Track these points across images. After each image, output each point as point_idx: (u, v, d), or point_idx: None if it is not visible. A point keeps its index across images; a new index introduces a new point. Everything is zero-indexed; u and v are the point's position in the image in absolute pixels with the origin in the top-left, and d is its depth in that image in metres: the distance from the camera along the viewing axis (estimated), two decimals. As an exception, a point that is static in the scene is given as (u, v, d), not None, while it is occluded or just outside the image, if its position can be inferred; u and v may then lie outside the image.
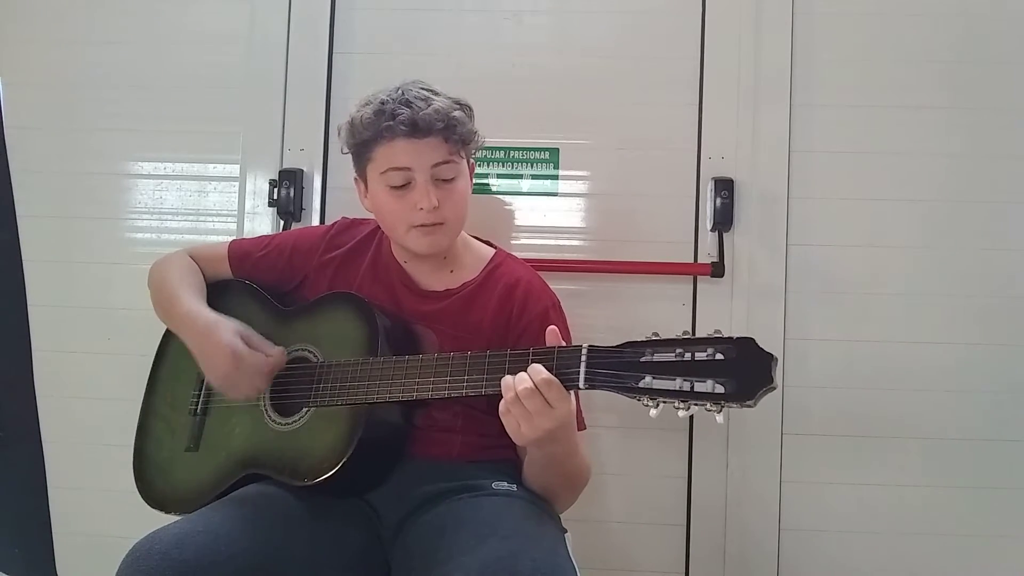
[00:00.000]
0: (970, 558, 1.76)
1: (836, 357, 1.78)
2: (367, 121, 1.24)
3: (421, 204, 1.24)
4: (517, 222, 1.85)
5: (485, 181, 1.84)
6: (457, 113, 1.25)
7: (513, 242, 1.82)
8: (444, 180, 1.26)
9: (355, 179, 1.34)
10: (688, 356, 0.96)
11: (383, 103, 1.23)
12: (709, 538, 1.77)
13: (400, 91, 1.25)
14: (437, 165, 1.25)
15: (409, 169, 1.24)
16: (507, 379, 1.04)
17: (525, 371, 1.04)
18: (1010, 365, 1.76)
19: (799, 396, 1.77)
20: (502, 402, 1.04)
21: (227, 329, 1.23)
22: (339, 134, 1.32)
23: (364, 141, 1.26)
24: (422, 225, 1.26)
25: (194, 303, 1.30)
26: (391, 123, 1.21)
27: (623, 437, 1.79)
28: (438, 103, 1.24)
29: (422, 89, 1.26)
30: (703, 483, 1.78)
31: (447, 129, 1.23)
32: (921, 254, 1.79)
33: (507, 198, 1.86)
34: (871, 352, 1.77)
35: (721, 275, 1.76)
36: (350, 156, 1.32)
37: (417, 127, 1.21)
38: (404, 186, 1.25)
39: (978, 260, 1.78)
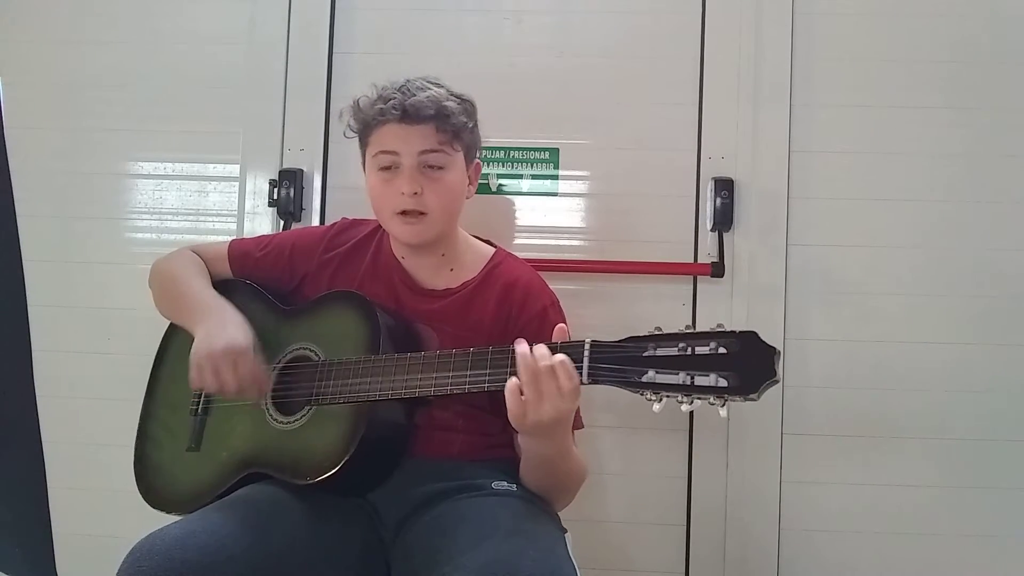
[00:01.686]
0: (970, 558, 1.76)
1: (836, 357, 1.78)
2: (365, 106, 1.29)
3: (403, 189, 1.25)
4: (517, 222, 1.85)
5: (485, 181, 1.84)
6: (450, 103, 1.27)
7: (513, 242, 1.82)
8: (432, 169, 1.27)
9: (364, 169, 1.36)
10: (691, 350, 0.96)
11: (383, 89, 1.28)
12: (709, 538, 1.77)
13: (404, 80, 1.29)
14: (425, 152, 1.26)
15: (396, 153, 1.26)
16: (525, 355, 1.03)
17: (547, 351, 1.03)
18: (1010, 365, 1.76)
19: (799, 396, 1.77)
20: (512, 382, 1.03)
21: (248, 333, 1.23)
22: (340, 116, 1.35)
23: (364, 123, 1.30)
24: (404, 212, 1.27)
25: (210, 291, 1.33)
26: (383, 106, 1.25)
27: (623, 437, 1.79)
28: (433, 92, 1.26)
29: (426, 81, 1.29)
30: (703, 483, 1.78)
31: (438, 118, 1.25)
32: (921, 254, 1.79)
33: (507, 198, 1.86)
34: (871, 352, 1.77)
35: (721, 275, 1.76)
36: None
37: (407, 113, 1.24)
38: (391, 170, 1.27)
39: (978, 260, 1.78)
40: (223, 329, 1.23)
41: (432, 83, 1.29)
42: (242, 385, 1.20)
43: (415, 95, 1.25)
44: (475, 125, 1.33)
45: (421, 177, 1.26)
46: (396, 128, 1.26)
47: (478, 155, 1.38)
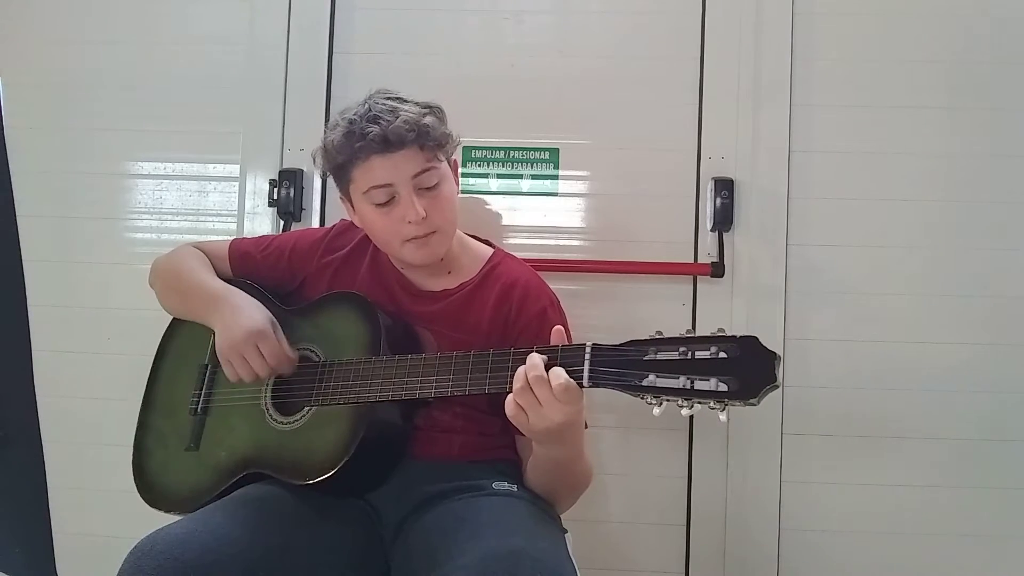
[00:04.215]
0: (970, 558, 1.76)
1: (836, 357, 1.78)
2: (339, 144, 1.23)
3: (409, 217, 1.23)
4: (517, 222, 1.85)
5: (485, 181, 1.85)
6: (427, 119, 1.23)
7: (513, 242, 1.81)
8: (427, 188, 1.25)
9: (340, 198, 1.34)
10: (691, 354, 0.96)
11: (351, 123, 1.22)
12: (709, 538, 1.77)
13: (366, 107, 1.23)
14: (417, 175, 1.24)
15: (390, 185, 1.23)
16: (520, 370, 1.04)
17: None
18: (1010, 365, 1.76)
19: (799, 396, 1.77)
20: (510, 397, 1.04)
21: (264, 311, 1.26)
22: (315, 161, 1.31)
23: (340, 164, 1.25)
24: (415, 238, 1.25)
25: (219, 282, 1.33)
26: (362, 143, 1.20)
27: (623, 437, 1.79)
28: (406, 113, 1.22)
29: (387, 100, 1.24)
30: (703, 483, 1.78)
31: (420, 137, 1.22)
32: (921, 254, 1.79)
33: (507, 198, 1.85)
34: (871, 352, 1.77)
35: (721, 275, 1.76)
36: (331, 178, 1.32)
37: (389, 142, 1.20)
38: (389, 202, 1.24)
39: (978, 260, 1.78)
40: (240, 315, 1.24)
41: (393, 99, 1.25)
42: (273, 365, 1.22)
43: (391, 121, 1.20)
44: (448, 128, 1.29)
45: (421, 200, 1.24)
46: (380, 160, 1.22)
47: (453, 153, 1.35)
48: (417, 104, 1.26)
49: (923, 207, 1.79)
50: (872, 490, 1.77)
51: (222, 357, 1.24)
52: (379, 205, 1.25)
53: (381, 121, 1.20)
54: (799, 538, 1.77)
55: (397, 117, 1.21)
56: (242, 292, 1.30)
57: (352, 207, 1.31)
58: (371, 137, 1.20)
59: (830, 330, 1.78)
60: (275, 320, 1.26)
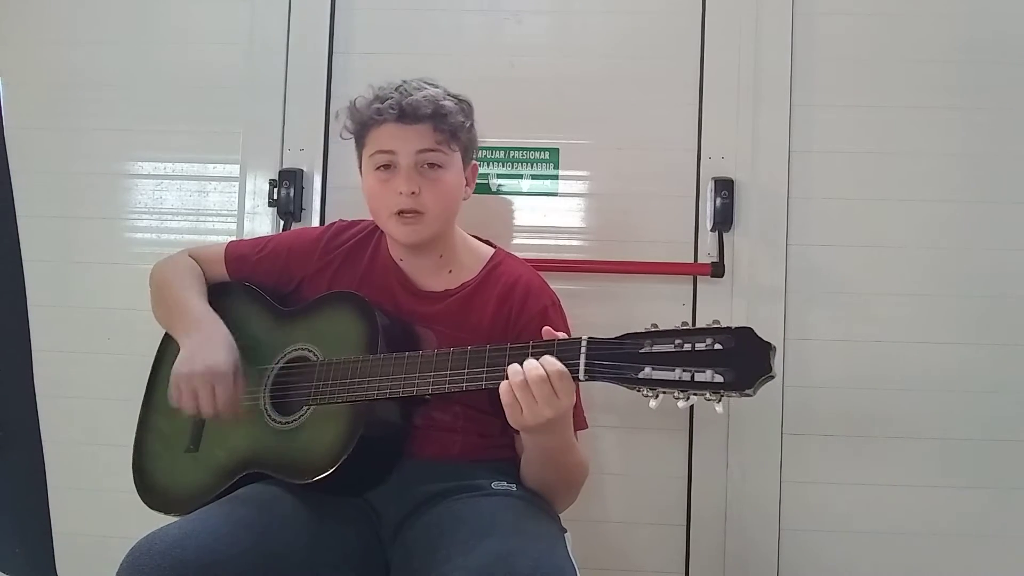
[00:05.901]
0: (970, 558, 1.76)
1: (836, 357, 1.78)
2: (362, 106, 1.29)
3: (400, 188, 1.25)
4: (517, 222, 1.85)
5: (485, 181, 1.84)
6: (447, 103, 1.26)
7: (513, 242, 1.82)
8: (430, 169, 1.27)
9: (359, 170, 1.36)
10: (687, 346, 0.97)
11: (380, 90, 1.28)
12: (709, 538, 1.77)
13: (401, 81, 1.29)
14: (422, 151, 1.26)
15: (393, 153, 1.26)
16: (515, 365, 1.04)
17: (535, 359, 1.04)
18: (1010, 365, 1.76)
19: (799, 396, 1.77)
20: (506, 384, 1.04)
21: (233, 352, 1.24)
22: (336, 117, 1.35)
23: (361, 124, 1.30)
24: (401, 212, 1.26)
25: (201, 305, 1.32)
26: (380, 106, 1.25)
27: (623, 437, 1.79)
28: (430, 92, 1.26)
29: (423, 82, 1.29)
30: (703, 483, 1.78)
31: (435, 117, 1.25)
32: (921, 254, 1.79)
33: (507, 198, 1.86)
34: (871, 352, 1.77)
35: (721, 275, 1.76)
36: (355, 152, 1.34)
37: (404, 112, 1.24)
38: (389, 170, 1.27)
39: (978, 260, 1.78)
40: (206, 348, 1.23)
41: (428, 83, 1.29)
42: (218, 411, 1.20)
43: (412, 95, 1.25)
44: (472, 125, 1.32)
45: (419, 177, 1.25)
46: (393, 128, 1.25)
47: (475, 156, 1.38)
48: (447, 91, 1.30)
49: (923, 207, 1.79)
50: (872, 490, 1.77)
51: (174, 380, 1.21)
52: (379, 171, 1.27)
53: (404, 93, 1.26)
54: (799, 538, 1.77)
55: (420, 92, 1.25)
56: (220, 323, 1.28)
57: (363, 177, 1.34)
58: (390, 104, 1.25)
59: (830, 330, 1.78)
60: (239, 365, 1.24)
